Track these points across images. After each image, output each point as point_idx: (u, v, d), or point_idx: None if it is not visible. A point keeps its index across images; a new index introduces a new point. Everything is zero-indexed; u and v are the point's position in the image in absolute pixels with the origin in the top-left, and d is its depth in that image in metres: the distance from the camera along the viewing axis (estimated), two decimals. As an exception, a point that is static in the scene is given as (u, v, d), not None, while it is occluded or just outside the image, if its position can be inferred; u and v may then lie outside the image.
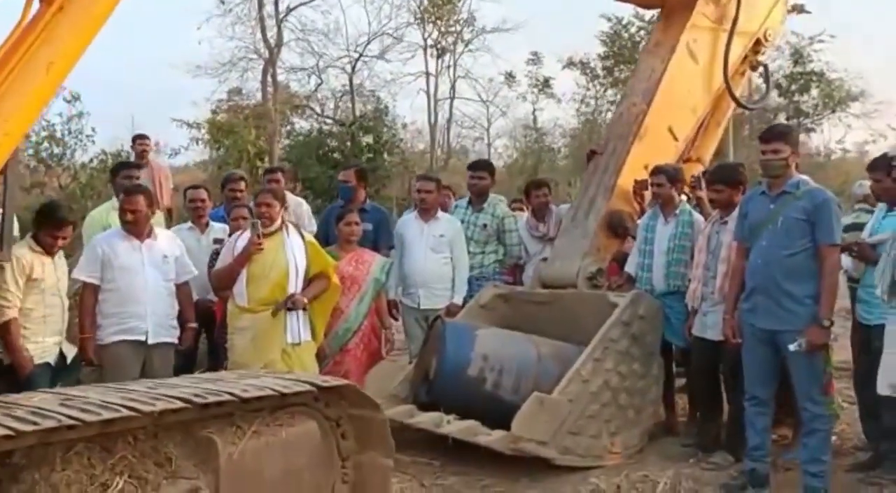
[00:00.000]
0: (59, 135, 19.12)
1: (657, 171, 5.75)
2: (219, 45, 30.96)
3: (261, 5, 22.57)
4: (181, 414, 3.25)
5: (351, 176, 6.45)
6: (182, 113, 35.35)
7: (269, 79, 22.66)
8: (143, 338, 4.96)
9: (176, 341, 5.18)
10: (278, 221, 5.15)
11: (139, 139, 8.30)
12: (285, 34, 23.82)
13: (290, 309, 5.01)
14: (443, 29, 27.92)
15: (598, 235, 6.01)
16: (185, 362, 6.00)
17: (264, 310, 4.98)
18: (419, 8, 27.16)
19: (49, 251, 4.72)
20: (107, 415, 2.93)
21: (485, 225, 6.45)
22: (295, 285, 5.08)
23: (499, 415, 5.04)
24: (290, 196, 7.10)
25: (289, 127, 25.41)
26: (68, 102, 18.98)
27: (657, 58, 6.57)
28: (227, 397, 3.30)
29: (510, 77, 30.02)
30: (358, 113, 25.55)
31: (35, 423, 2.82)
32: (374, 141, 24.51)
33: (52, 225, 4.68)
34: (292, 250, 5.11)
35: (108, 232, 5.16)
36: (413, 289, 6.24)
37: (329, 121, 25.85)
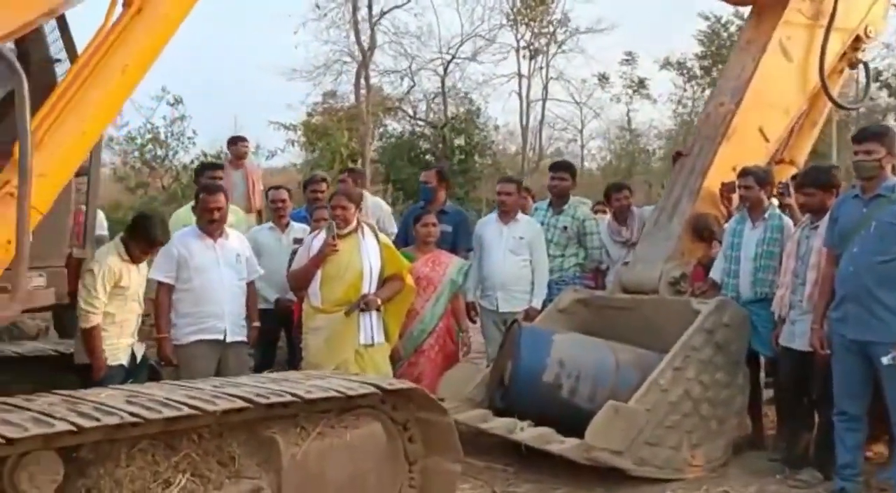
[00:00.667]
0: (162, 137, 19.91)
1: (745, 172, 5.51)
2: (314, 48, 31.69)
3: (355, 9, 22.88)
4: (245, 414, 3.28)
5: (432, 177, 6.44)
6: (277, 116, 36.26)
7: (362, 81, 22.89)
8: (220, 337, 5.05)
9: (248, 339, 5.25)
10: (353, 223, 5.17)
11: (239, 141, 8.50)
12: (378, 37, 24.08)
13: (363, 310, 5.02)
14: (536, 30, 27.72)
15: (682, 239, 5.80)
16: (263, 361, 6.12)
17: (338, 311, 5.01)
18: (512, 9, 27.04)
19: (134, 261, 4.77)
20: (167, 413, 2.96)
21: (565, 227, 6.33)
22: (369, 287, 5.09)
23: (575, 423, 4.91)
24: (368, 197, 7.15)
25: (381, 129, 25.70)
26: (171, 105, 19.83)
27: (748, 56, 6.30)
28: (290, 397, 3.31)
29: (604, 78, 29.62)
30: (450, 115, 25.62)
31: (97, 419, 2.88)
32: (466, 143, 24.56)
33: (144, 243, 4.72)
34: (367, 251, 5.11)
35: (182, 231, 5.27)
36: (491, 291, 6.17)
37: (421, 123, 26.02)
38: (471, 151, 24.44)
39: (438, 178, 6.42)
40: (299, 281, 5.19)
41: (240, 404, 3.17)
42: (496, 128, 27.62)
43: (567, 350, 5.33)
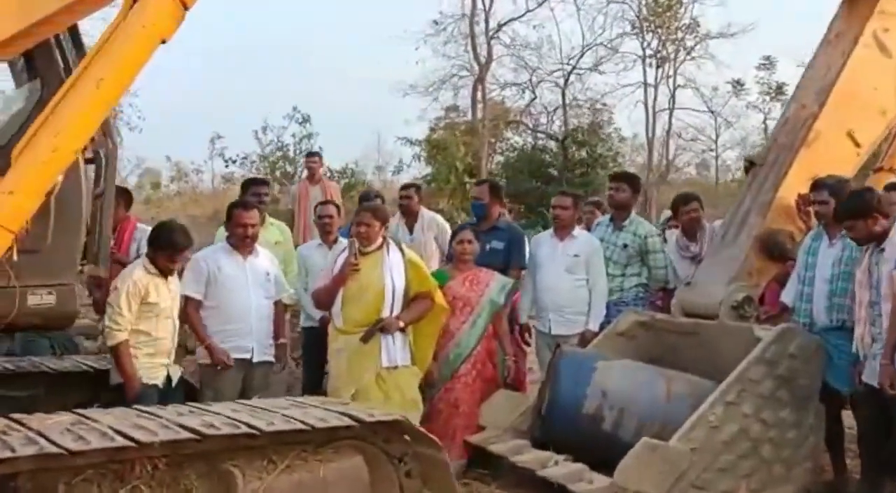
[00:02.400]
0: (291, 154, 20.58)
1: (818, 185, 4.89)
2: (432, 63, 31.87)
3: (472, 23, 22.81)
4: (205, 444, 3.10)
5: (484, 192, 6.12)
6: (396, 131, 36.77)
7: (479, 95, 22.79)
8: (247, 356, 4.94)
9: (274, 359, 5.11)
10: (378, 241, 4.92)
11: (310, 157, 8.50)
12: (497, 50, 23.91)
13: (382, 331, 4.76)
14: (663, 37, 26.73)
15: (749, 258, 5.21)
16: (310, 381, 5.98)
17: (359, 332, 4.77)
18: (638, 17, 26.21)
19: (164, 274, 4.67)
20: (96, 444, 2.81)
21: (625, 245, 5.84)
22: (391, 307, 4.83)
23: (619, 459, 4.47)
24: (426, 213, 6.91)
25: (502, 143, 25.50)
26: (300, 123, 20.50)
27: (836, 51, 5.62)
28: (244, 429, 3.10)
29: (738, 85, 28.19)
30: (571, 127, 25.09)
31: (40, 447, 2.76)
32: (588, 155, 23.97)
33: (169, 250, 4.63)
34: (390, 270, 4.86)
35: (212, 247, 5.20)
36: (544, 313, 5.79)
37: (542, 136, 25.61)
38: (593, 164, 23.80)
39: (492, 193, 6.09)
40: (322, 300, 5.00)
41: (185, 435, 2.99)
42: (621, 139, 26.82)
43: (611, 379, 4.88)
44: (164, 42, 3.83)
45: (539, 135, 25.71)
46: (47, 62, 4.08)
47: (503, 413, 5.29)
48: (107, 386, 4.82)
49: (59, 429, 2.93)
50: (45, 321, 4.24)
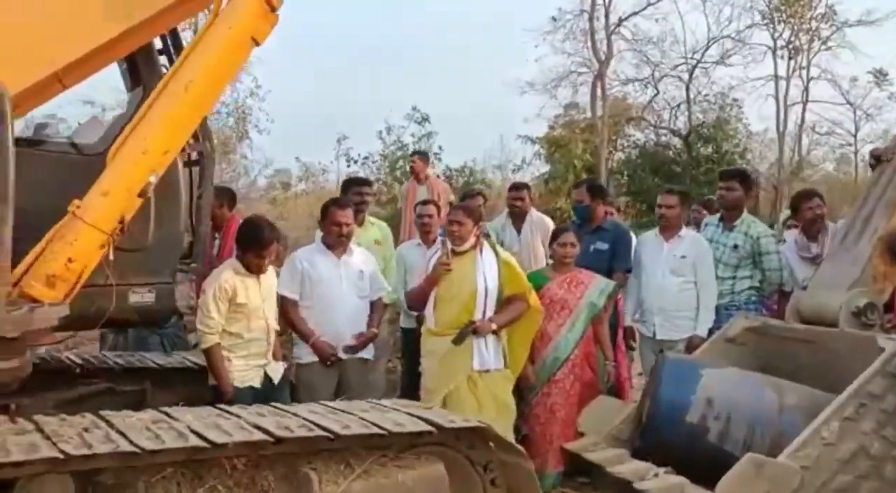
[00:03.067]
0: (410, 154, 20.83)
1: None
2: (550, 61, 31.47)
3: (591, 19, 22.39)
4: (279, 446, 3.08)
5: (583, 194, 5.95)
6: (516, 129, 36.52)
7: (598, 92, 22.36)
8: (340, 355, 4.93)
9: (371, 356, 5.08)
10: (471, 240, 4.82)
11: (413, 156, 8.52)
12: (617, 45, 23.38)
13: (474, 333, 4.65)
14: (795, 27, 25.45)
15: (873, 261, 4.79)
16: (409, 384, 5.94)
17: (451, 334, 4.68)
18: (768, 7, 25.06)
19: (256, 271, 4.67)
20: (171, 444, 2.83)
21: (735, 246, 5.51)
22: (484, 308, 4.72)
23: (724, 473, 4.20)
24: (534, 213, 6.77)
25: (622, 140, 24.95)
26: (419, 123, 20.74)
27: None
28: (318, 432, 3.06)
29: (880, 75, 26.49)
30: (696, 122, 24.26)
31: (117, 446, 2.81)
32: (714, 151, 23.12)
33: (256, 246, 4.63)
34: (483, 270, 4.75)
35: (306, 247, 5.22)
36: (649, 316, 5.55)
37: (665, 132, 24.89)
38: (719, 161, 22.93)
39: (592, 194, 5.91)
40: (415, 301, 4.95)
41: (259, 436, 2.98)
42: (749, 135, 25.72)
43: (718, 387, 4.59)
44: (257, 44, 3.87)
45: (662, 131, 25.02)
46: (149, 68, 4.20)
47: (603, 420, 5.08)
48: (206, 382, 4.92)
49: (138, 427, 2.98)
50: (144, 318, 4.37)
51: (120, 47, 3.77)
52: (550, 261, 5.59)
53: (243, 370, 4.67)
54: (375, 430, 3.17)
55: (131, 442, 2.80)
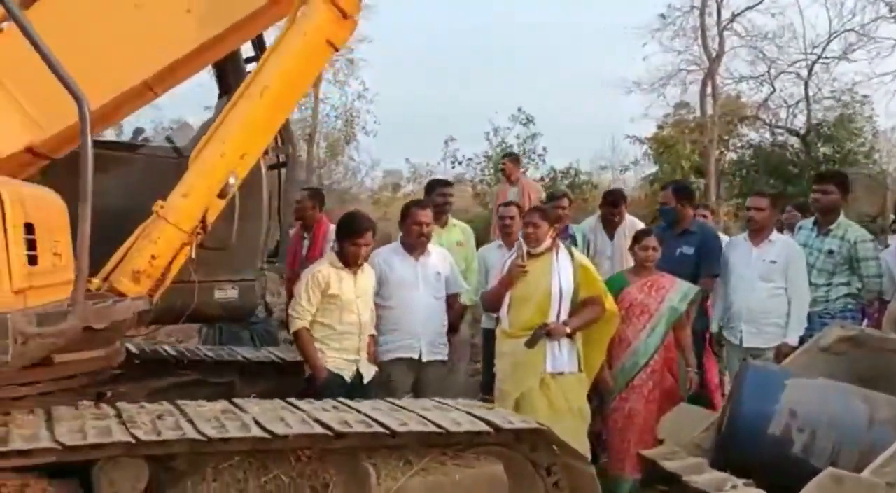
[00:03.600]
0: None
1: None
2: (657, 59, 30.69)
3: (703, 15, 21.76)
4: (345, 440, 3.17)
5: (669, 197, 5.83)
6: (623, 129, 35.89)
7: (709, 90, 21.70)
8: (416, 356, 5.02)
9: (446, 358, 5.14)
10: (547, 242, 4.81)
11: (504, 158, 8.56)
12: (730, 42, 22.63)
13: (548, 336, 4.64)
14: (926, 19, 23.95)
15: (978, 268, 4.51)
16: (489, 383, 5.97)
17: (524, 335, 4.68)
18: (896, -1, 23.68)
19: (353, 263, 4.81)
20: (231, 433, 2.96)
21: (831, 251, 5.28)
22: (559, 310, 4.70)
23: (810, 487, 4.06)
24: (628, 218, 6.64)
25: (735, 139, 24.11)
26: (523, 124, 20.71)
27: None
28: (375, 428, 3.14)
29: None
30: (815, 121, 23.19)
31: (184, 433, 2.96)
32: (835, 151, 22.06)
33: (352, 234, 4.77)
34: (558, 272, 4.73)
35: (385, 247, 5.32)
36: (736, 323, 5.39)
37: (781, 131, 23.90)
38: (841, 161, 21.86)
39: (678, 196, 5.77)
40: (490, 303, 4.97)
41: (318, 430, 3.08)
42: (875, 134, 24.36)
43: (803, 399, 4.42)
44: (335, 49, 3.99)
45: (778, 130, 24.01)
46: (236, 75, 4.41)
47: (684, 428, 4.96)
48: (294, 376, 5.08)
49: (207, 417, 3.13)
50: (228, 313, 4.61)
51: (206, 56, 3.96)
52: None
53: (335, 360, 4.80)
54: (433, 428, 3.22)
55: (197, 430, 2.94)
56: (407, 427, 3.19)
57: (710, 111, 21.69)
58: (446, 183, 6.50)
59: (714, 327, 5.56)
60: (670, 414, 5.05)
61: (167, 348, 5.46)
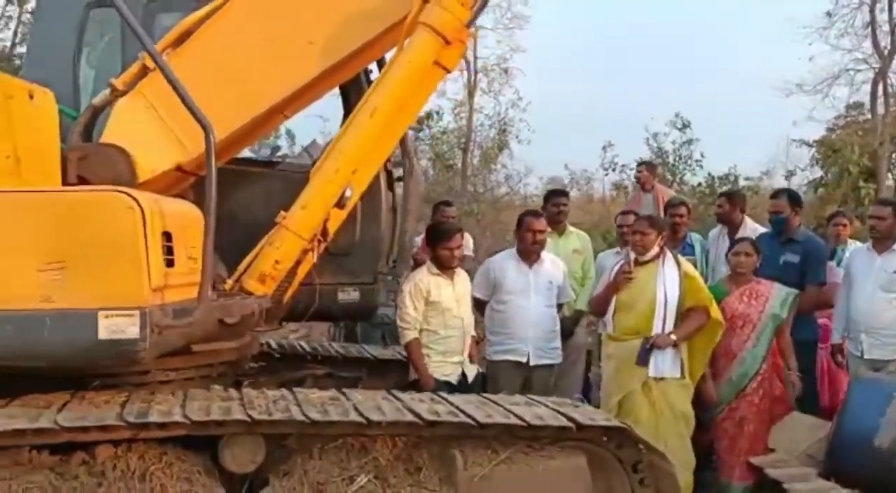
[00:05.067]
0: (670, 161, 20.49)
1: None
2: (821, 60, 29.03)
3: (873, 10, 20.57)
4: (433, 429, 3.50)
5: (783, 205, 5.77)
6: (782, 133, 34.11)
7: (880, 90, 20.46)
8: (524, 359, 5.28)
9: (556, 362, 5.35)
10: (654, 250, 4.93)
11: (641, 166, 8.62)
12: (903, 38, 21.21)
13: (654, 347, 4.77)
14: None
15: None
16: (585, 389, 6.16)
17: (628, 339, 4.84)
18: None
19: (448, 266, 5.05)
20: (331, 417, 3.35)
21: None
22: (663, 318, 4.82)
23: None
24: (749, 223, 6.57)
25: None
26: (679, 129, 20.37)
27: None
28: (461, 418, 3.44)
29: None
30: None
31: (291, 415, 3.38)
32: None
33: (441, 239, 5.06)
34: (664, 281, 4.85)
35: (500, 255, 5.60)
36: (856, 334, 5.29)
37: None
38: None
39: (792, 204, 5.72)
40: (596, 307, 5.16)
41: (409, 418, 3.42)
42: None
43: (913, 411, 4.34)
44: (447, 71, 4.35)
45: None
46: (358, 97, 4.84)
47: (795, 438, 4.97)
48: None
49: (315, 402, 3.53)
50: (350, 313, 5.08)
51: (328, 81, 4.42)
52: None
53: (441, 366, 5.12)
54: (515, 420, 3.47)
55: (303, 413, 3.36)
56: (491, 419, 3.47)
57: (882, 111, 20.45)
58: (562, 193, 6.70)
59: (836, 338, 5.47)
60: (782, 423, 5.07)
61: (303, 344, 6.01)
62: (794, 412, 5.11)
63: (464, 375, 5.20)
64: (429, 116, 20.15)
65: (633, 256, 4.95)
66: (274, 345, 5.75)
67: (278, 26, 4.13)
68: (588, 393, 6.00)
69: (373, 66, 4.84)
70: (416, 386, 5.07)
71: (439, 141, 21.32)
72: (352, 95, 4.86)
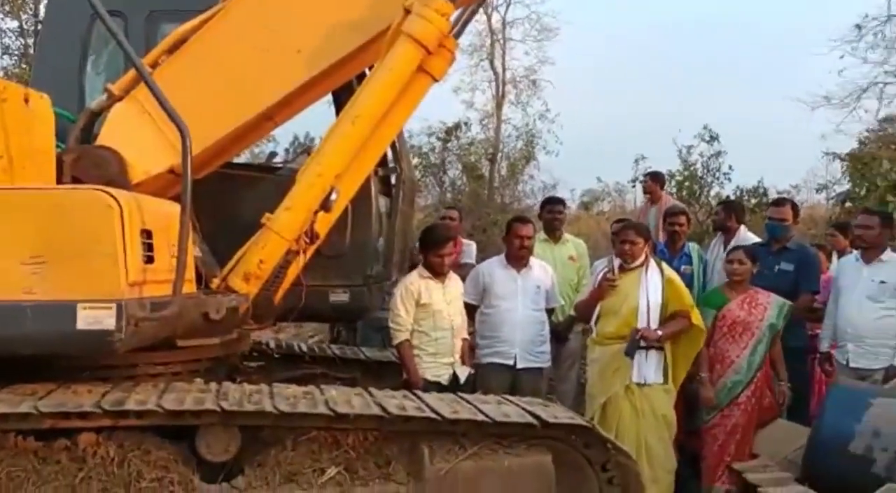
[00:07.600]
0: (699, 174, 20.37)
1: None
2: (849, 73, 28.70)
3: (902, 22, 20.33)
4: (400, 424, 3.62)
5: (787, 212, 5.81)
6: (808, 147, 33.75)
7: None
8: (511, 362, 5.37)
9: (544, 365, 5.43)
10: (640, 258, 5.02)
11: (647, 177, 8.71)
12: (940, 49, 20.92)
13: (642, 339, 4.83)
14: None
15: None
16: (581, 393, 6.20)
17: (611, 344, 4.92)
18: None
19: (439, 272, 5.17)
20: (300, 410, 3.48)
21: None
22: (647, 323, 4.89)
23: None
24: (743, 232, 6.63)
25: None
26: (707, 142, 20.27)
27: None
28: (427, 413, 3.55)
29: None
30: None
31: (262, 407, 3.52)
32: None
33: (433, 246, 5.16)
34: (646, 287, 4.93)
35: (489, 261, 5.70)
36: (843, 343, 5.31)
37: None
38: None
39: (795, 212, 5.76)
40: (581, 312, 5.25)
41: (375, 411, 3.54)
42: None
43: (888, 419, 4.37)
44: (434, 79, 4.47)
45: None
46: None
47: (778, 444, 5.01)
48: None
49: (287, 396, 3.66)
50: (341, 314, 5.21)
51: (317, 89, 4.58)
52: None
53: (432, 367, 5.22)
54: (482, 417, 3.58)
55: (273, 405, 3.49)
56: (458, 415, 3.58)
57: (910, 125, 20.19)
58: (558, 200, 6.81)
59: (824, 347, 5.50)
60: (766, 430, 5.12)
61: (301, 344, 6.15)
62: (780, 418, 5.14)
63: (455, 376, 5.29)
64: (457, 126, 20.29)
65: (617, 263, 5.02)
66: (272, 344, 5.91)
67: (268, 36, 4.29)
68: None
69: (368, 72, 5.00)
70: (408, 387, 5.24)
71: (468, 151, 21.40)
72: (344, 101, 5.01)
